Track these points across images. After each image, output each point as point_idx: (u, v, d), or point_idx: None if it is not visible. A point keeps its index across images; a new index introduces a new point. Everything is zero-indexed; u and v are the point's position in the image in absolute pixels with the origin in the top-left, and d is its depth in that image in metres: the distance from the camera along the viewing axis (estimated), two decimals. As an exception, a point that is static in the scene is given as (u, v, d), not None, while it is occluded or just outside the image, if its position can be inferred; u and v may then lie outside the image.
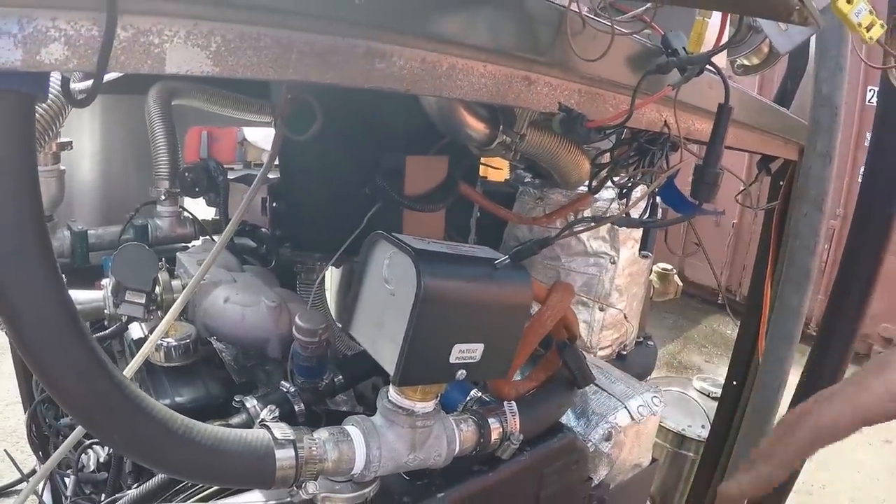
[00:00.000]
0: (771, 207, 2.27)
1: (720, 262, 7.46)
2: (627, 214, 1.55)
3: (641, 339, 2.93)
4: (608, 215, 1.31)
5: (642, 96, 1.06)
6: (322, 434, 1.04)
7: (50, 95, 1.54)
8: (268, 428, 1.00)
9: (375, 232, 1.05)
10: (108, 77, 0.64)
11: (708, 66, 1.10)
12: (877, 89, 6.17)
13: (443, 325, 0.98)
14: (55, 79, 1.21)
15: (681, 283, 3.31)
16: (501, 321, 1.06)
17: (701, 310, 7.81)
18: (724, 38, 1.10)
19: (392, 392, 1.08)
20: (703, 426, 3.29)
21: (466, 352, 1.02)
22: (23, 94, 0.66)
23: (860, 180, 5.86)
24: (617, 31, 0.99)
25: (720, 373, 4.40)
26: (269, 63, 0.70)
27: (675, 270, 3.25)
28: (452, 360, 1.01)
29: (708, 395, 3.51)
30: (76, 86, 1.48)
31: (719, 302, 7.68)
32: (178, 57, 0.64)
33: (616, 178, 1.52)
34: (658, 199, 1.79)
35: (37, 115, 1.53)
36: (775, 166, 2.28)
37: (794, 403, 1.83)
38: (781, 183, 2.28)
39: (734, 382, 2.51)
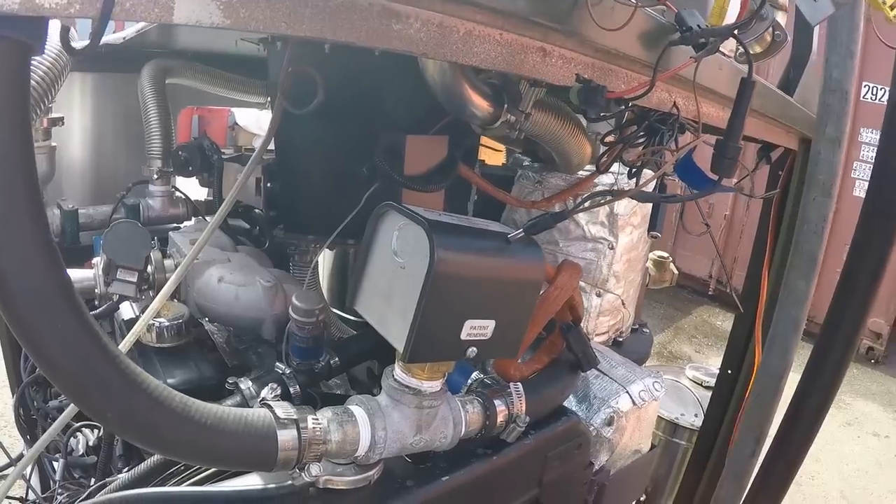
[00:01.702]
0: (770, 196, 2.26)
1: (712, 252, 7.48)
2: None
3: (637, 327, 2.91)
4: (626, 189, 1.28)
5: (661, 70, 1.03)
6: (325, 414, 1.00)
7: (45, 63, 1.49)
8: (269, 407, 0.96)
9: (384, 203, 1.02)
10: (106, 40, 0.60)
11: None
12: (871, 85, 6.22)
13: (455, 299, 0.94)
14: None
15: (676, 271, 3.30)
16: (514, 297, 1.02)
17: (691, 300, 7.84)
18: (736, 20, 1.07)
19: (398, 370, 1.04)
20: (695, 415, 3.28)
21: (478, 328, 0.99)
22: (20, 42, 0.61)
23: (853, 175, 5.89)
24: (638, 3, 0.96)
25: (710, 363, 4.41)
26: (283, 17, 0.66)
27: (670, 258, 3.23)
28: (463, 336, 0.98)
29: (701, 384, 3.50)
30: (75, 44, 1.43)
31: (710, 293, 7.71)
32: (188, 6, 0.60)
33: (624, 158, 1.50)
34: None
35: (32, 81, 1.48)
36: (775, 155, 2.27)
37: (796, 399, 1.83)
38: (780, 172, 2.27)
39: (729, 371, 2.49)
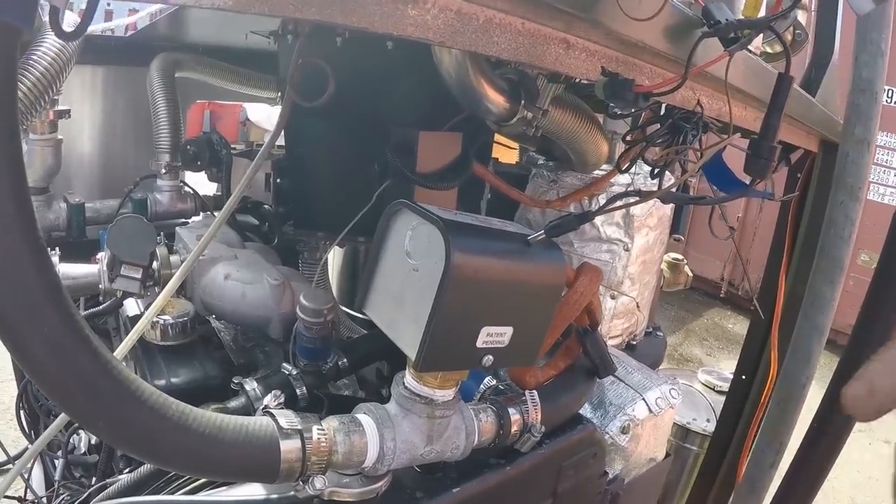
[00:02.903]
0: (789, 199, 2.22)
1: (724, 255, 7.43)
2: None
3: (650, 330, 2.86)
4: (653, 190, 1.23)
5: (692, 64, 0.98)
6: (331, 423, 0.95)
7: (48, 55, 1.46)
8: (272, 415, 0.91)
9: (397, 201, 0.96)
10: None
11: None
12: (885, 87, 6.15)
13: (471, 304, 0.88)
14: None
15: (691, 274, 3.24)
16: (534, 302, 0.97)
17: (703, 303, 7.79)
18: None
19: (409, 378, 0.99)
20: (707, 420, 3.24)
21: (495, 335, 0.93)
22: (7, 25, 0.56)
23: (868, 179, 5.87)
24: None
25: (721, 367, 4.37)
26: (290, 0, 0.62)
27: (685, 260, 3.17)
28: (479, 344, 0.92)
29: (713, 389, 3.46)
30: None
31: (722, 296, 7.66)
32: (188, -15, 0.56)
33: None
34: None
35: (34, 75, 1.44)
36: (793, 157, 2.24)
37: (821, 412, 1.78)
38: (799, 175, 2.23)
39: (743, 377, 2.45)
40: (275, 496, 0.99)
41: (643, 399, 1.61)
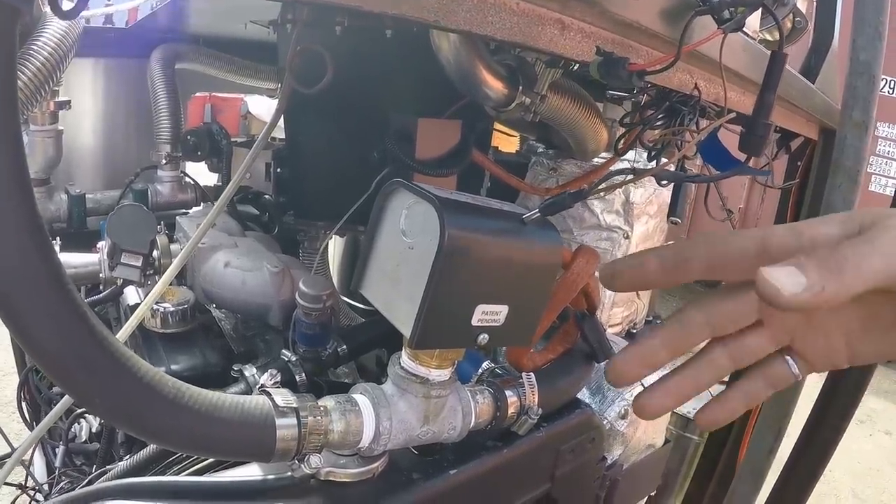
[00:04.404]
0: (789, 186, 2.22)
1: (725, 246, 7.41)
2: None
3: (651, 318, 2.86)
4: (647, 168, 1.22)
5: (685, 42, 0.98)
6: (327, 402, 0.95)
7: (49, 45, 1.46)
8: (268, 394, 0.91)
9: (393, 180, 0.96)
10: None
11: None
12: (888, 78, 6.13)
13: (466, 281, 0.88)
14: None
15: (692, 264, 3.23)
16: (529, 282, 0.96)
17: (704, 293, 7.77)
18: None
19: (405, 357, 0.99)
20: (709, 409, 3.22)
21: (490, 314, 0.93)
22: (7, 5, 0.56)
23: (868, 170, 5.88)
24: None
25: (724, 357, 4.38)
26: (282, -26, 0.62)
27: (686, 250, 3.17)
28: (474, 322, 0.92)
29: (715, 379, 3.44)
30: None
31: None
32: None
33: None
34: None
35: (34, 65, 1.44)
36: (794, 145, 2.24)
37: (821, 399, 1.78)
38: (799, 163, 2.24)
39: (745, 366, 2.44)
40: (271, 476, 1.00)
41: (642, 385, 1.60)
